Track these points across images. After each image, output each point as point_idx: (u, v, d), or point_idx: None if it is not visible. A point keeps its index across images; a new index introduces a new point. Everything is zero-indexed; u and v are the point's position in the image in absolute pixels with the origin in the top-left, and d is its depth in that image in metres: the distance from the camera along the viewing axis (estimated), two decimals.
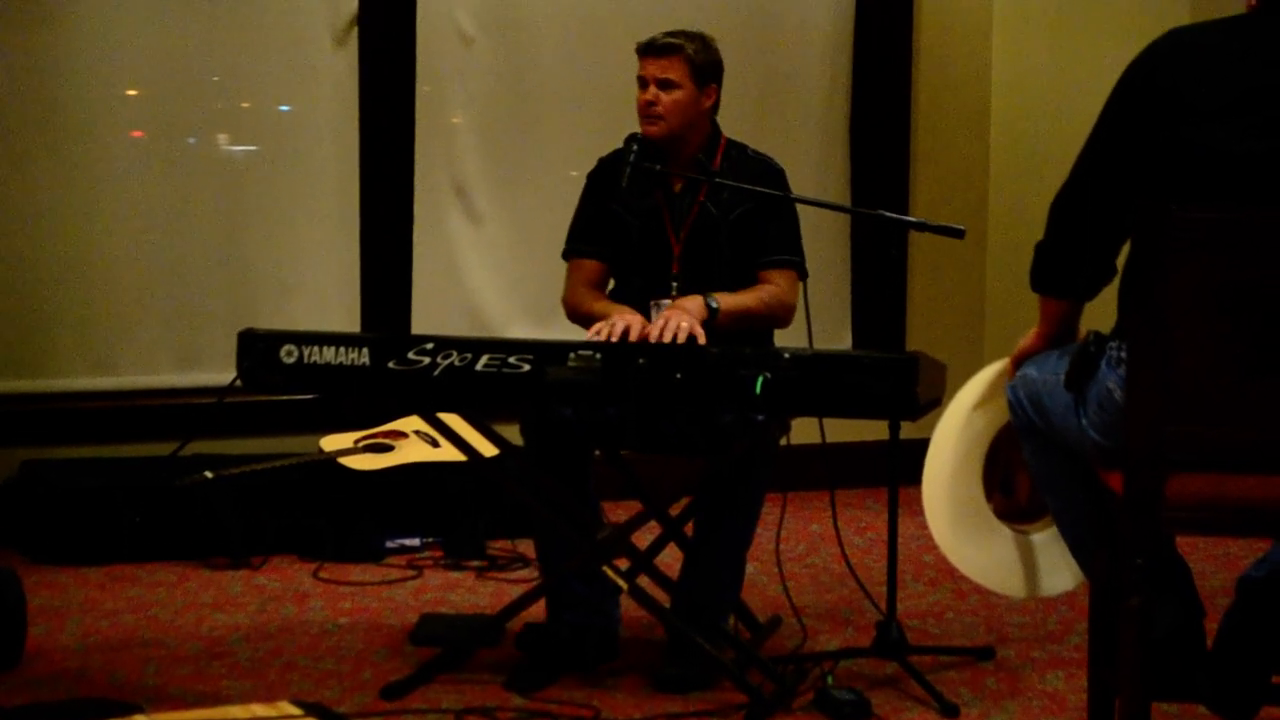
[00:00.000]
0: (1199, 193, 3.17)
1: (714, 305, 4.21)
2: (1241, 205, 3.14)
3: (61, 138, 5.78)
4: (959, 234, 4.30)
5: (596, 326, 4.15)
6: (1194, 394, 3.11)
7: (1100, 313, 3.49)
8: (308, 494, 5.50)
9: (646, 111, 4.34)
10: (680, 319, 4.09)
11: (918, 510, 3.95)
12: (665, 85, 4.32)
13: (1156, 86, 3.23)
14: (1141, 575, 3.17)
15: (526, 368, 3.89)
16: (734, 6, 6.45)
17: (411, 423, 5.65)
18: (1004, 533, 3.89)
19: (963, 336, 6.66)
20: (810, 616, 4.71)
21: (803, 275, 4.42)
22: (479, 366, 3.91)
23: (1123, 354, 3.23)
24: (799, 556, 5.53)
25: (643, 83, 4.35)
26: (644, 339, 4.07)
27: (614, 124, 4.70)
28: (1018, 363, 3.60)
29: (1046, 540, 3.86)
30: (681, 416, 4.25)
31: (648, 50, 4.36)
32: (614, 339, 4.05)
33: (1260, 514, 3.16)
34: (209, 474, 5.24)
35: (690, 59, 4.32)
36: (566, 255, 4.52)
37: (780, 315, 4.38)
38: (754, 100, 6.42)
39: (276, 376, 4.02)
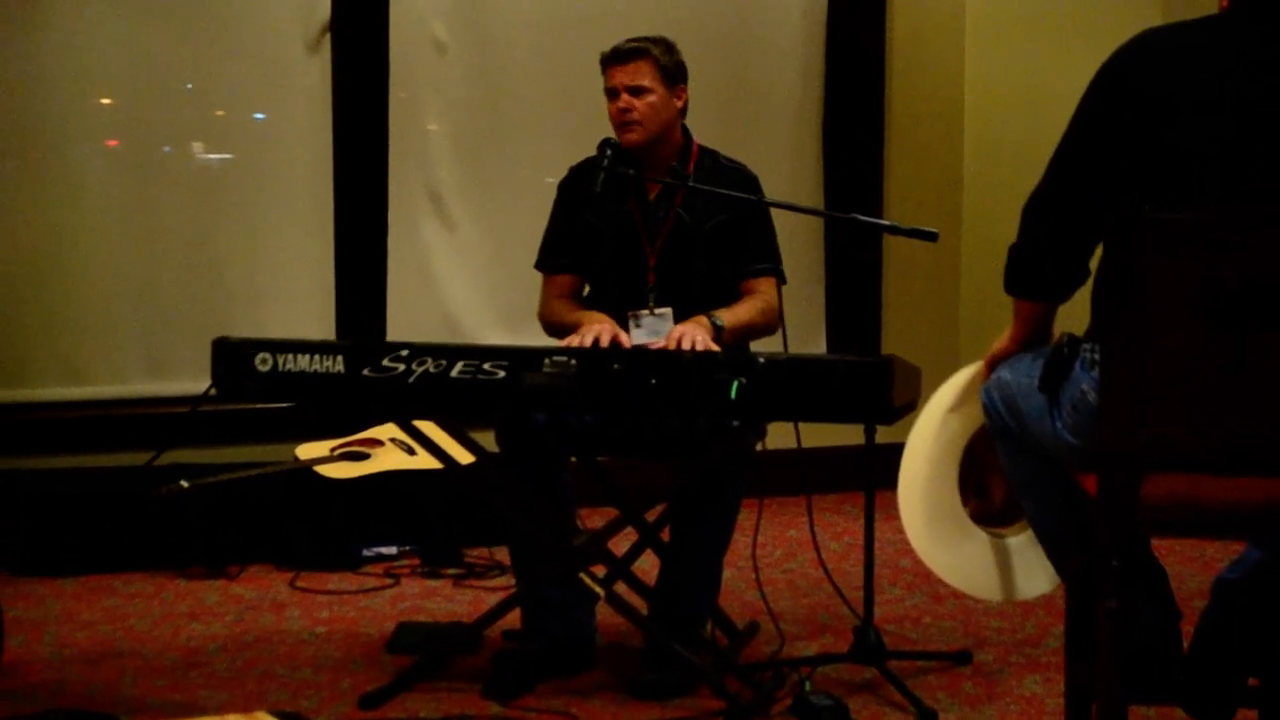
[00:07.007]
0: (1172, 193, 3.17)
1: (719, 323, 4.20)
2: (1215, 205, 3.15)
3: (35, 146, 5.77)
4: (932, 237, 4.27)
5: (568, 340, 4.13)
6: (1168, 396, 3.11)
7: (1074, 315, 3.49)
8: (284, 503, 5.48)
9: (621, 119, 4.31)
10: (696, 332, 4.08)
11: (894, 515, 3.95)
12: (636, 91, 4.30)
13: (1129, 87, 3.23)
14: (1117, 578, 3.17)
15: (502, 374, 3.89)
16: (705, 10, 6.45)
17: (387, 430, 5.63)
18: (980, 536, 3.90)
19: (937, 340, 6.66)
20: (788, 622, 4.71)
21: (783, 281, 4.42)
22: (454, 373, 3.90)
23: (1097, 356, 3.23)
24: (776, 562, 5.53)
25: (613, 93, 4.33)
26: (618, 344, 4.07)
27: (588, 130, 4.69)
28: (992, 365, 3.61)
29: (1022, 543, 3.87)
30: (657, 422, 4.25)
31: (614, 59, 4.33)
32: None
33: (1235, 516, 3.16)
34: (184, 483, 5.19)
35: (657, 60, 4.31)
36: (539, 268, 4.51)
37: (773, 324, 4.37)
38: (726, 104, 6.41)
39: (251, 385, 4.01)
